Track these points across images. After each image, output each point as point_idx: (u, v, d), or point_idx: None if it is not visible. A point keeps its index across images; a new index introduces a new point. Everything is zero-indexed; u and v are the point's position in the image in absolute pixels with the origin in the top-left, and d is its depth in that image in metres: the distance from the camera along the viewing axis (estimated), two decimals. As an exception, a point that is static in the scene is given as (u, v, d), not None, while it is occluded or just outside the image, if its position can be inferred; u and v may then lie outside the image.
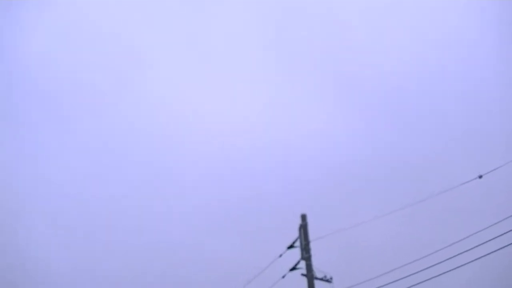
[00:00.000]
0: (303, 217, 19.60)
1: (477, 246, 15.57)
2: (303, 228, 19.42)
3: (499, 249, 15.52)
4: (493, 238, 15.53)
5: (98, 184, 36.25)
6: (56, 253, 32.52)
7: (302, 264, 19.06)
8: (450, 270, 15.87)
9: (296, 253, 19.30)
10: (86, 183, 36.37)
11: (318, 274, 18.79)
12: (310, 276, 18.73)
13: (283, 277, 19.36)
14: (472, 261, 15.65)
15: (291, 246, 19.50)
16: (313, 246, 19.18)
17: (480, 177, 17.11)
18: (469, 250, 15.61)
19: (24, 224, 33.29)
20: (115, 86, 39.75)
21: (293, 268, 19.20)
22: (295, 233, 19.51)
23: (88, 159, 37.91)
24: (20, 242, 32.66)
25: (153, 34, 40.27)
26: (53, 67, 40.09)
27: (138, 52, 39.90)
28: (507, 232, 15.39)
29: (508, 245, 15.45)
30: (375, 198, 30.28)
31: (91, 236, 33.18)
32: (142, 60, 39.84)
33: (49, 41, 40.57)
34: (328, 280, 18.71)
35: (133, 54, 39.91)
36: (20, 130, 38.19)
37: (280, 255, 19.63)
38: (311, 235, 19.31)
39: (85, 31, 40.66)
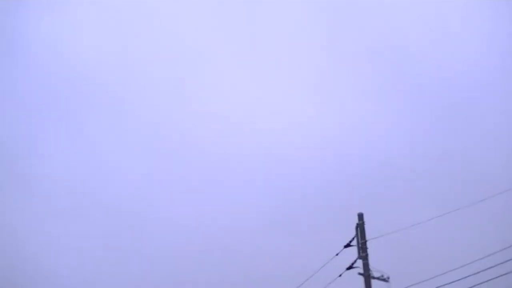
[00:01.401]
0: (360, 216, 19.63)
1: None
2: (360, 227, 19.46)
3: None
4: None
5: (102, 183, 35.96)
6: (56, 253, 32.26)
7: (359, 263, 19.14)
8: (508, 272, 15.62)
9: (353, 252, 19.40)
10: (90, 183, 35.94)
11: (375, 273, 18.83)
12: (367, 275, 18.78)
13: (340, 276, 19.44)
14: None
15: (348, 245, 19.59)
16: (369, 245, 19.25)
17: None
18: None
19: (24, 224, 32.68)
20: (169, 84, 39.91)
21: (350, 267, 19.25)
22: (352, 232, 19.61)
23: (98, 158, 37.31)
24: (20, 242, 32.14)
25: (209, 32, 40.34)
26: (102, 64, 39.49)
27: (197, 51, 40.07)
28: None
29: None
30: (433, 197, 29.80)
31: (96, 238, 32.64)
32: (199, 60, 39.98)
33: (102, 37, 40.21)
34: (385, 280, 18.69)
35: (191, 53, 40.13)
36: (23, 129, 37.70)
37: (337, 254, 19.69)
38: (368, 234, 19.38)
39: (142, 27, 40.80)
